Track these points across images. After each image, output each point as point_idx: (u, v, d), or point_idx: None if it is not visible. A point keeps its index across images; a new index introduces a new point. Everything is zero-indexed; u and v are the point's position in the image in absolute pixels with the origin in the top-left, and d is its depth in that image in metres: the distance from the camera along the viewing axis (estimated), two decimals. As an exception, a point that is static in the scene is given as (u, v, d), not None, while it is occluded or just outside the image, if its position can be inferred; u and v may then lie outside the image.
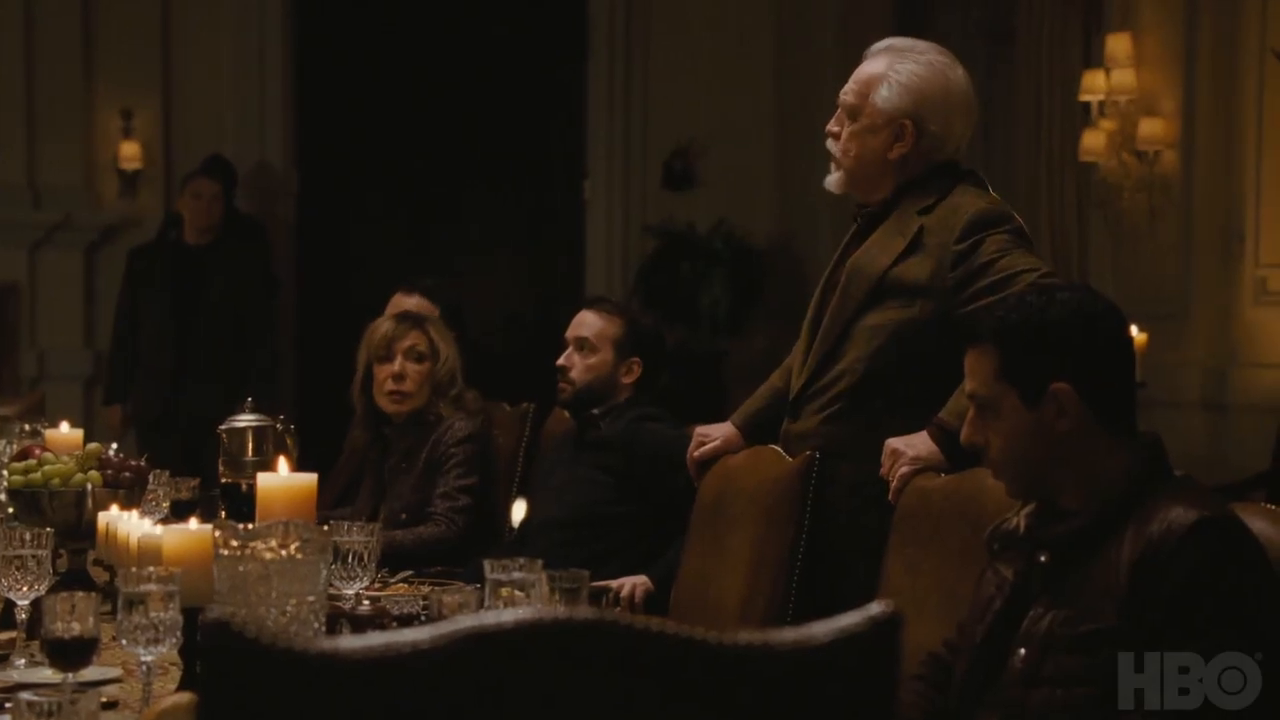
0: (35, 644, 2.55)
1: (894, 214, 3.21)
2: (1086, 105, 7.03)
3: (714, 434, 3.51)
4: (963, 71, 3.27)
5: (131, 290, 6.97)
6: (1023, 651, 2.27)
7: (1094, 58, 7.13)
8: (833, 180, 3.30)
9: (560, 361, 4.00)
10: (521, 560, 2.60)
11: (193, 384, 6.79)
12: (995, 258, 3.07)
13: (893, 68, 3.23)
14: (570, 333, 4.02)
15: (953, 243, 3.11)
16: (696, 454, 3.51)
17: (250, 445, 3.13)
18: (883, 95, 3.21)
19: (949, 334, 2.99)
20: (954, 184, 3.20)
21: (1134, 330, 5.40)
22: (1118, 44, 6.92)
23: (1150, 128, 6.80)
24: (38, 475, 3.11)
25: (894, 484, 2.97)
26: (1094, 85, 6.96)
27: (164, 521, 3.07)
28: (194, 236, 6.97)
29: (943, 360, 3.02)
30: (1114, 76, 6.91)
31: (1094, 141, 6.95)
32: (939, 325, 3.09)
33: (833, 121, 3.28)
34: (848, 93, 3.26)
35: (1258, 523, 2.25)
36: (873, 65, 3.26)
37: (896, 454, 3.00)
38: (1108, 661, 2.17)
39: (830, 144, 3.28)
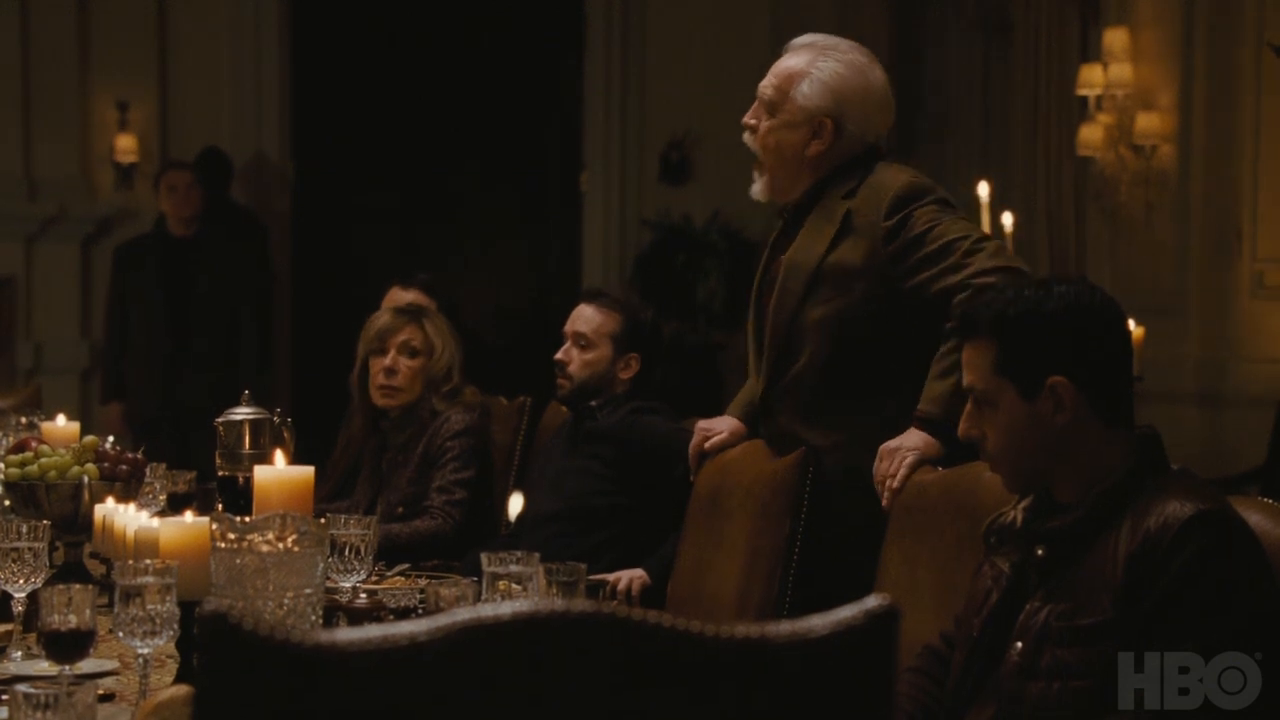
0: (32, 636, 2.55)
1: (819, 204, 3.23)
2: (1084, 99, 7.03)
3: (718, 427, 3.50)
4: (881, 72, 3.28)
5: (121, 286, 6.96)
6: (1019, 645, 2.27)
7: (1091, 52, 7.13)
8: (758, 189, 3.31)
9: (558, 356, 3.99)
10: (518, 553, 2.60)
11: (187, 376, 6.79)
12: (929, 228, 3.09)
13: (815, 65, 3.23)
14: (568, 327, 4.01)
15: (881, 219, 3.13)
16: (706, 446, 3.49)
17: (247, 438, 3.12)
18: (804, 92, 3.22)
19: (899, 310, 3.07)
20: (873, 163, 3.22)
21: (1131, 324, 5.41)
22: (1115, 38, 6.92)
23: (1147, 122, 6.80)
24: (34, 468, 3.10)
25: (898, 477, 2.96)
26: (1091, 79, 6.96)
27: (161, 514, 3.06)
28: (178, 228, 6.97)
29: (901, 338, 3.10)
30: (1111, 70, 6.91)
31: (1091, 135, 6.95)
32: (886, 302, 3.12)
33: (749, 114, 3.29)
34: (767, 86, 3.27)
35: (1254, 516, 2.25)
36: (794, 60, 3.26)
37: (893, 452, 3.00)
38: (1104, 654, 2.18)
39: (747, 137, 3.29)
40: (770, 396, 3.28)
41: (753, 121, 3.27)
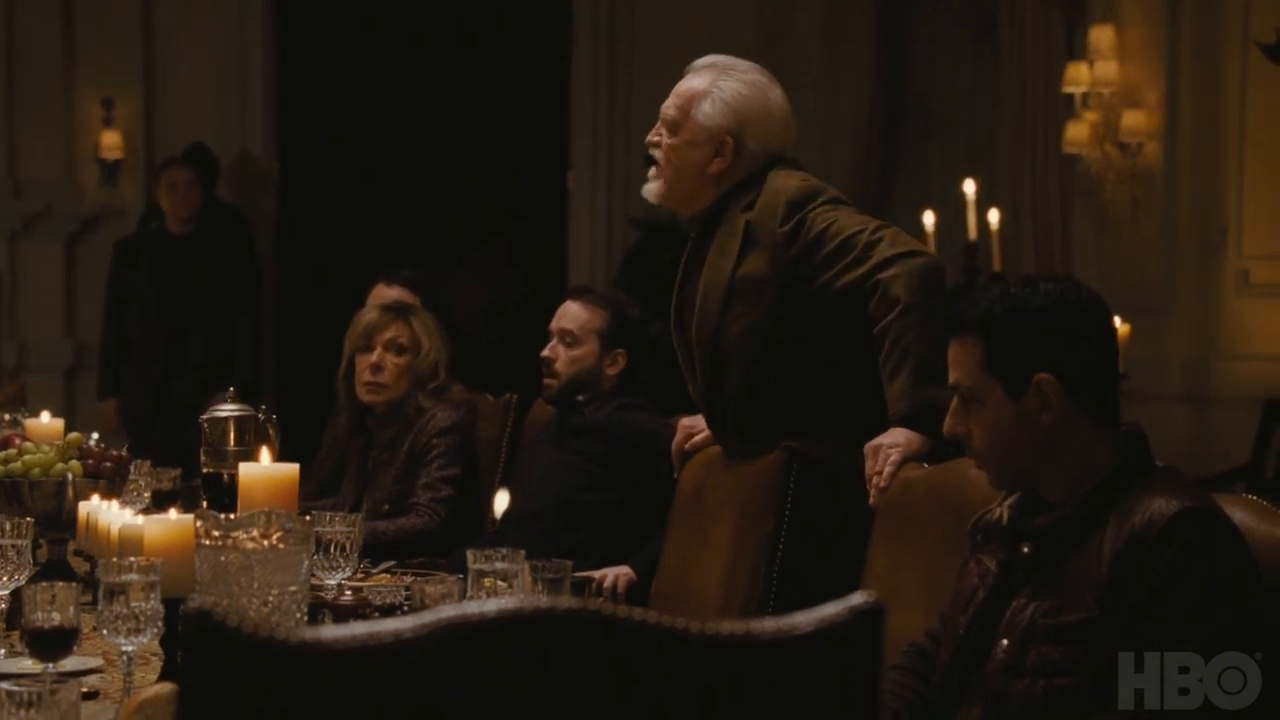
0: (15, 634, 2.54)
1: (723, 220, 3.29)
2: (1070, 97, 7.04)
3: (701, 425, 3.51)
4: (780, 91, 3.35)
5: (118, 283, 6.95)
6: (1005, 642, 2.27)
7: (1077, 49, 7.14)
8: (651, 190, 3.38)
9: (545, 353, 3.99)
10: (504, 550, 2.60)
11: (181, 373, 6.78)
12: (825, 227, 3.16)
13: (716, 84, 3.30)
14: (554, 324, 4.01)
15: (778, 226, 3.20)
16: (688, 446, 3.51)
17: (232, 435, 3.11)
18: (705, 111, 3.29)
19: (812, 310, 3.14)
20: (767, 171, 3.28)
21: (1116, 322, 5.41)
22: (1101, 36, 6.93)
23: (1133, 119, 6.81)
24: (18, 465, 3.10)
25: (884, 475, 2.97)
26: (1077, 77, 6.97)
27: (145, 511, 3.06)
28: (177, 226, 6.96)
29: (820, 338, 3.16)
30: (1097, 68, 6.92)
31: (1077, 133, 6.96)
32: (797, 305, 3.18)
33: (653, 132, 3.36)
34: (669, 107, 3.34)
35: (1239, 513, 2.25)
36: (696, 80, 3.33)
37: (879, 449, 3.00)
38: (1090, 652, 2.18)
39: (654, 152, 3.35)
40: (712, 415, 3.34)
41: (655, 139, 3.34)
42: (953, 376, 2.38)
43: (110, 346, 6.96)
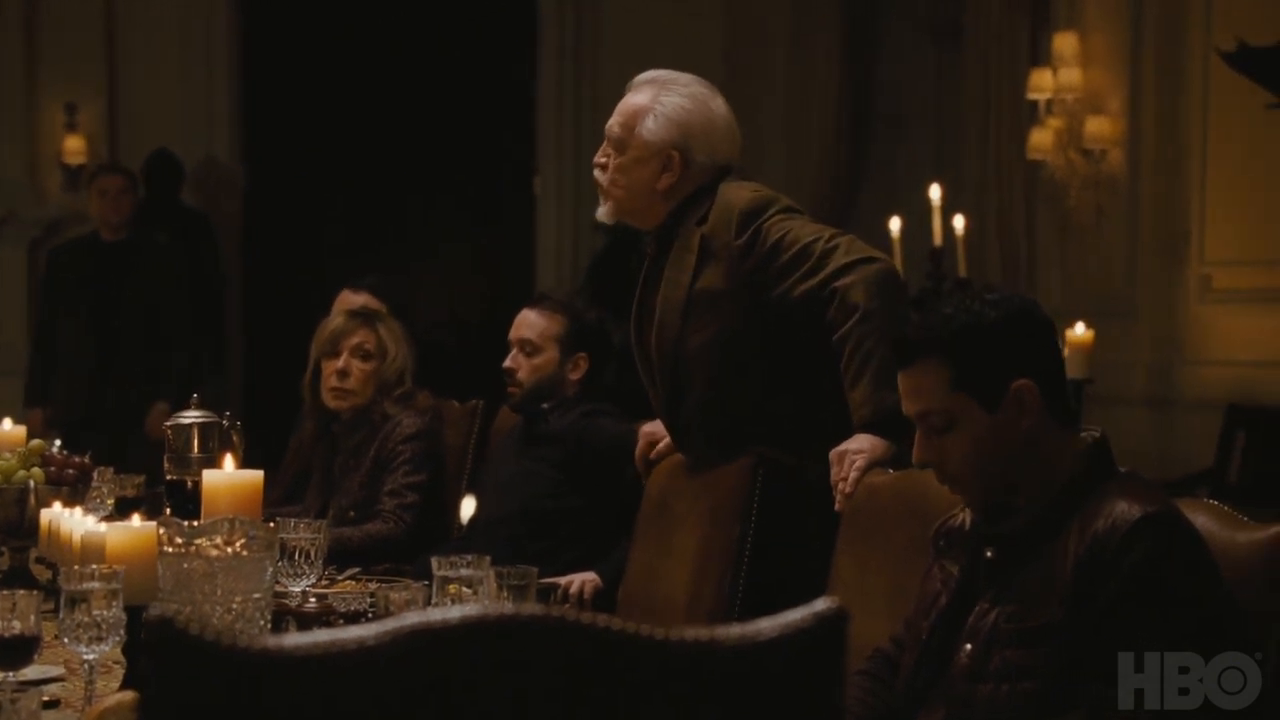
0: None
1: (678, 234, 3.30)
2: (1034, 103, 7.07)
3: (662, 432, 3.51)
4: (723, 101, 3.36)
5: (50, 290, 6.85)
6: (968, 647, 2.27)
7: (1041, 56, 7.18)
8: (603, 211, 3.39)
9: (507, 364, 3.99)
10: (469, 557, 2.59)
11: (111, 382, 6.64)
12: (780, 237, 3.16)
13: (658, 100, 3.31)
14: (513, 334, 4.01)
15: (733, 239, 3.20)
16: (652, 455, 3.51)
17: (196, 441, 3.10)
18: (649, 127, 3.29)
19: (770, 321, 3.14)
20: (718, 184, 3.28)
21: (1080, 327, 5.45)
22: (1065, 42, 6.96)
23: (1097, 126, 6.85)
24: (-20, 472, 3.08)
25: (850, 481, 2.98)
26: (1041, 83, 7.01)
27: (108, 519, 3.04)
28: (108, 233, 6.81)
29: (779, 349, 3.16)
30: (1061, 75, 6.96)
31: (1041, 139, 7.00)
32: (755, 316, 3.18)
33: (599, 153, 3.36)
34: (614, 125, 3.34)
35: (1201, 518, 2.26)
36: (638, 97, 3.34)
37: (844, 456, 3.01)
38: (1053, 656, 2.19)
39: (598, 174, 3.35)
40: (674, 428, 3.35)
41: (603, 160, 3.34)
42: (914, 407, 2.34)
43: (40, 354, 6.83)
